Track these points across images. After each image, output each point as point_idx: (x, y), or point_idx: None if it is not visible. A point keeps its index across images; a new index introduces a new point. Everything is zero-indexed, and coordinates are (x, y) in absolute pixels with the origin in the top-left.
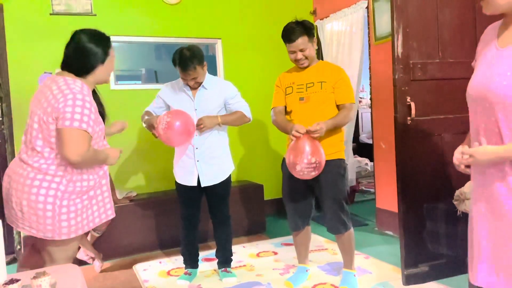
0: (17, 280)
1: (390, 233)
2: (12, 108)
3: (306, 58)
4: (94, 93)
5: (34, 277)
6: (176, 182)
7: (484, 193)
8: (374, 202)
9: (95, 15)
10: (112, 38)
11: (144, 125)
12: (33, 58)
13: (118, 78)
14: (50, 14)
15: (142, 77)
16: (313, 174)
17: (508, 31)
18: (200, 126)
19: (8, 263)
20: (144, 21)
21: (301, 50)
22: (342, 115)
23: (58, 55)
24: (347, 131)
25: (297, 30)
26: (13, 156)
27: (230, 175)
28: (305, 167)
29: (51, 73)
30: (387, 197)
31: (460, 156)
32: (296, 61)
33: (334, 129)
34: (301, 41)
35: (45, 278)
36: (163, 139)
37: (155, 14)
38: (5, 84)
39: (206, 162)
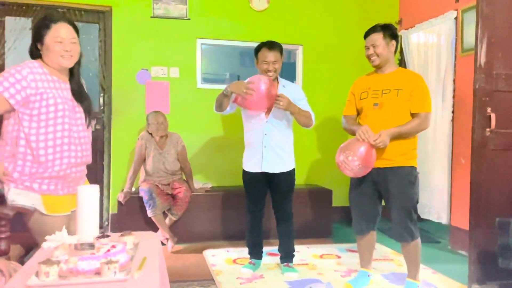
0: (108, 236)
1: (464, 253)
2: (112, 99)
3: (377, 55)
4: (72, 75)
5: (122, 235)
6: (243, 171)
7: None
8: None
9: (189, 19)
10: (203, 41)
11: (224, 93)
12: (133, 56)
13: (204, 80)
14: (151, 17)
15: (226, 81)
16: (348, 172)
17: None
18: (279, 100)
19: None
20: (232, 26)
21: (373, 46)
22: (414, 124)
23: (155, 54)
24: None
25: (375, 27)
26: (109, 141)
27: (294, 173)
28: (346, 162)
29: (147, 70)
30: (463, 215)
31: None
32: (367, 57)
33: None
34: (375, 37)
35: (130, 237)
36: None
37: (242, 19)
38: (108, 77)
39: (272, 150)
